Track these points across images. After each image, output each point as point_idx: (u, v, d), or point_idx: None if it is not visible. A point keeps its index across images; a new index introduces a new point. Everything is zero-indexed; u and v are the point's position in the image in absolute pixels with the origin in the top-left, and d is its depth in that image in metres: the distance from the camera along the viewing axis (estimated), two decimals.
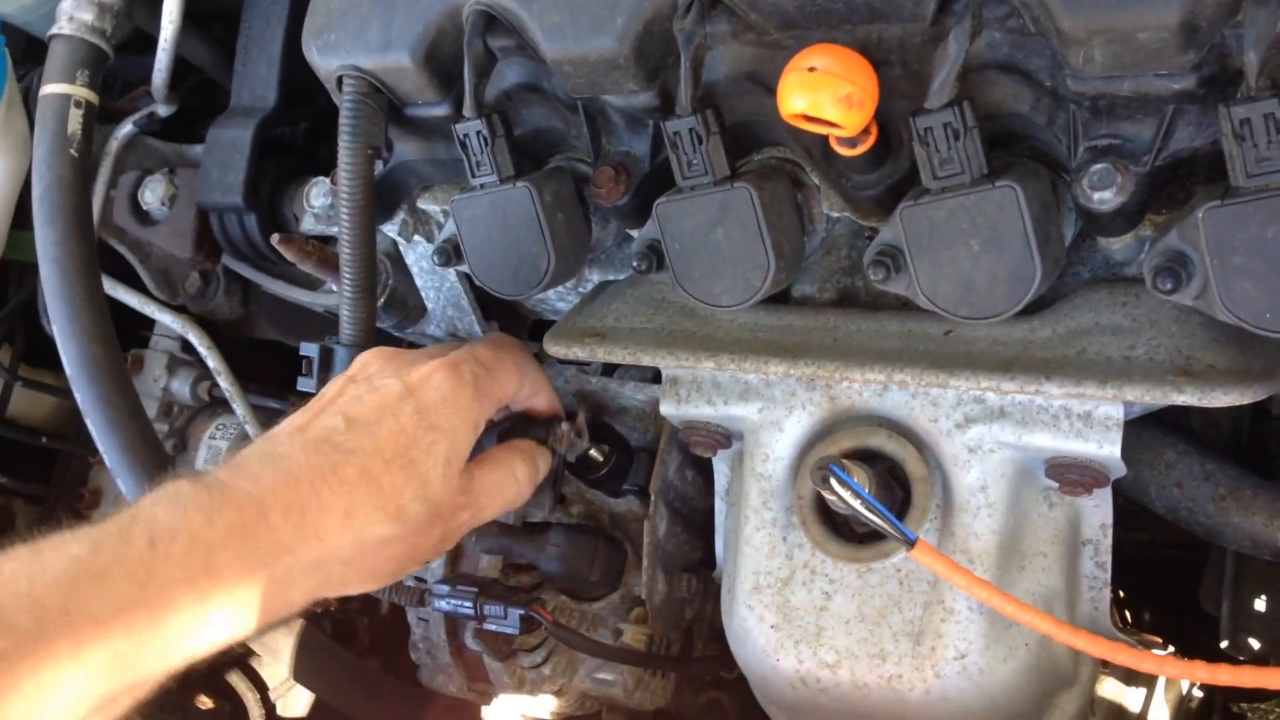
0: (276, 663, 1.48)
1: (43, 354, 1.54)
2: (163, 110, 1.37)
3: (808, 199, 0.92)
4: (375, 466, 0.80)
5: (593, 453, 1.12)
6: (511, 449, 0.95)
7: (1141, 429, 1.02)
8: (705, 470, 1.13)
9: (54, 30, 1.20)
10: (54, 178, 1.16)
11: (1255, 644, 1.21)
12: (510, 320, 1.33)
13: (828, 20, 0.78)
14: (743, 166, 0.90)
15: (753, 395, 0.98)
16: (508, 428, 1.00)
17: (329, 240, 1.20)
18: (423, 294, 1.25)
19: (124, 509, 0.73)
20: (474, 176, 0.93)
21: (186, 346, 1.49)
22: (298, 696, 1.71)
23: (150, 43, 1.30)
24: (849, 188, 0.85)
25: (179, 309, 1.41)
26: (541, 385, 0.99)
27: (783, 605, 0.95)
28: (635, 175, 0.92)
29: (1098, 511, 0.93)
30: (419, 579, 1.24)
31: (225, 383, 1.40)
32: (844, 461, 0.85)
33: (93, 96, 1.19)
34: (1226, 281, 0.71)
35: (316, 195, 1.28)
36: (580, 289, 1.16)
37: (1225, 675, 0.76)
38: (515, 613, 1.08)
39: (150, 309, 1.39)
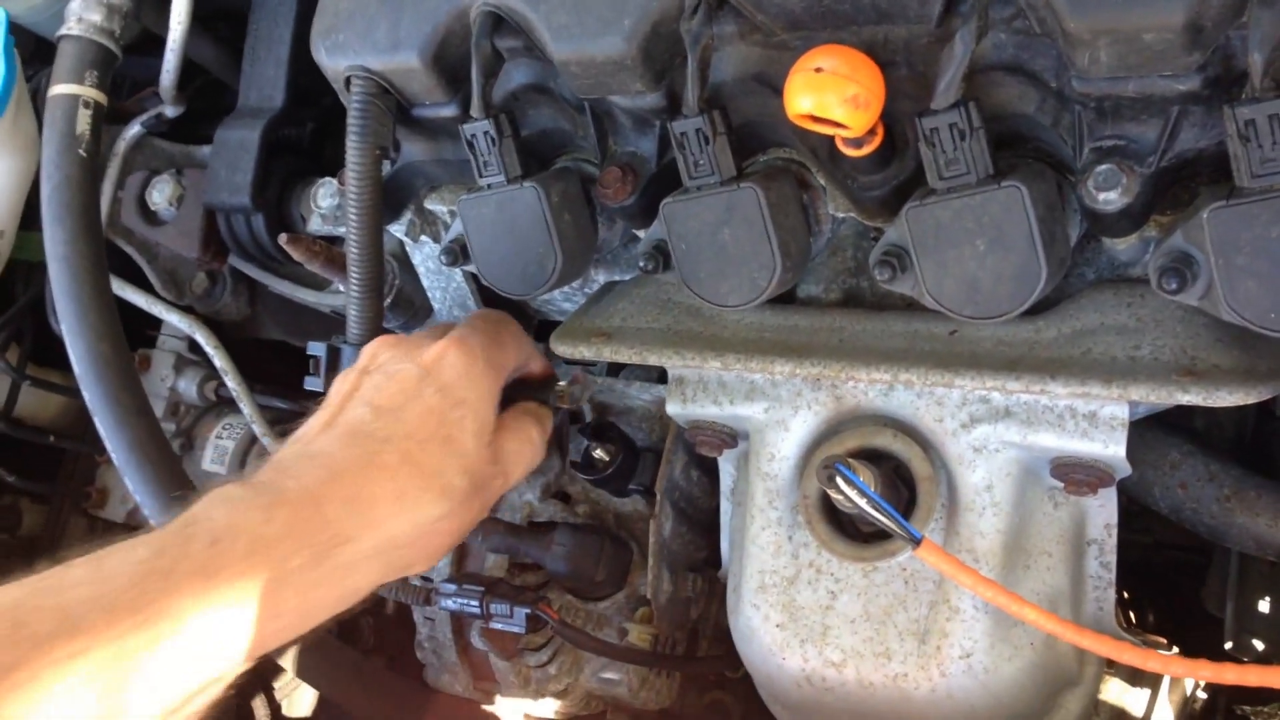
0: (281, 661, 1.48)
1: (50, 353, 1.54)
2: (170, 111, 1.38)
3: (814, 199, 0.92)
4: (413, 449, 0.80)
5: (598, 453, 1.13)
6: (521, 413, 0.94)
7: (1145, 429, 1.02)
8: (710, 470, 1.13)
9: (62, 31, 1.20)
10: (62, 177, 1.16)
11: (1260, 645, 1.21)
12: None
13: (834, 21, 0.79)
14: (749, 167, 0.90)
15: (758, 395, 0.98)
16: (509, 394, 1.00)
17: (336, 240, 1.20)
18: (429, 294, 1.26)
19: (174, 517, 0.72)
20: (481, 177, 0.93)
21: (194, 346, 1.50)
22: (303, 695, 1.71)
23: (158, 43, 1.30)
24: (855, 188, 0.86)
25: (186, 309, 1.42)
26: (534, 351, 1.00)
27: (788, 604, 0.95)
28: (642, 176, 0.92)
29: (1102, 511, 0.93)
30: (425, 578, 1.24)
31: (232, 382, 1.40)
32: (850, 461, 0.85)
33: (101, 97, 1.20)
34: (1231, 282, 0.71)
35: (324, 195, 1.28)
36: (586, 289, 1.16)
37: (1230, 674, 0.75)
38: (521, 612, 1.09)
39: (157, 309, 1.40)
